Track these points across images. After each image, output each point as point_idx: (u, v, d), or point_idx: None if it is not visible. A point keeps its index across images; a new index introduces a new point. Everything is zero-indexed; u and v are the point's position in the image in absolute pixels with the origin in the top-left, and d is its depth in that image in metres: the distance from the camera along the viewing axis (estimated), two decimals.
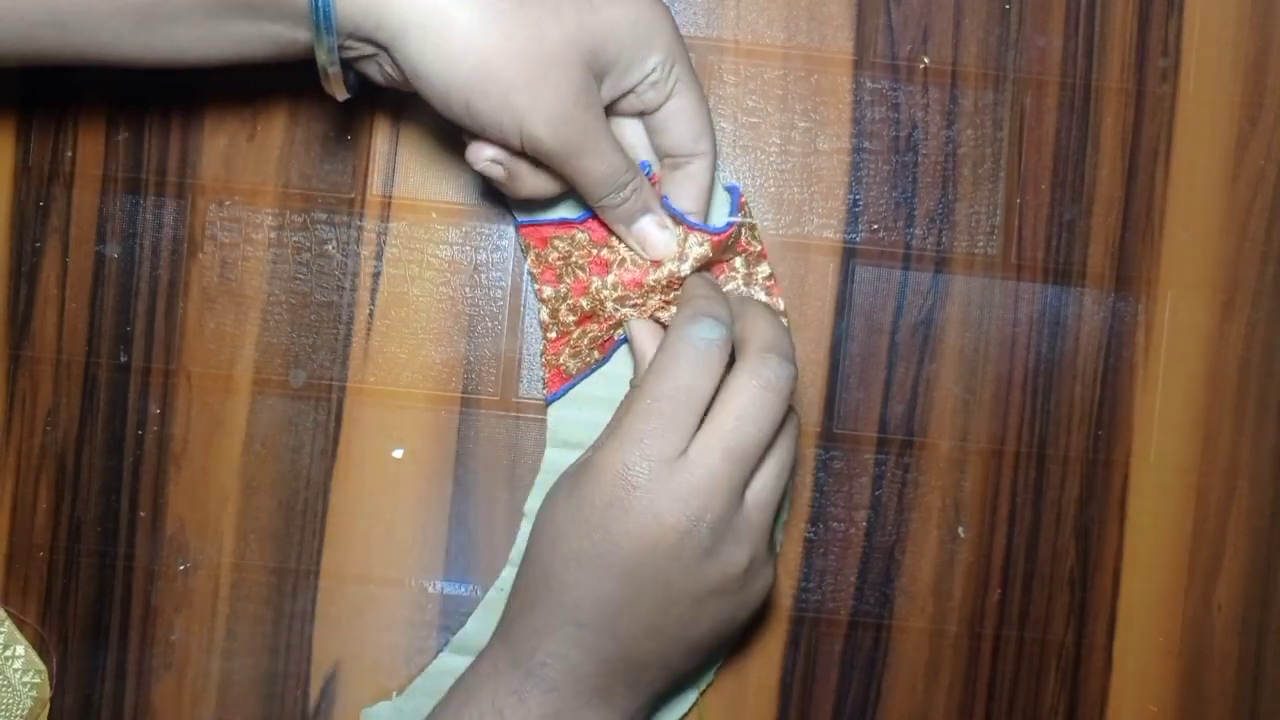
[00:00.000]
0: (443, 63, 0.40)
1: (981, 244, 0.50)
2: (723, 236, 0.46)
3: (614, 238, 0.47)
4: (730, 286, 0.48)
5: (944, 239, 0.50)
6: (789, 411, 0.42)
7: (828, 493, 0.50)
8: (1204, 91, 0.51)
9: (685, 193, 0.46)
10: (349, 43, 0.41)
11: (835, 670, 0.50)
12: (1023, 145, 0.50)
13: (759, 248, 0.48)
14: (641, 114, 0.45)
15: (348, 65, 0.43)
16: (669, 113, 0.44)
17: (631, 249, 0.46)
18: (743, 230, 0.48)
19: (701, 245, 0.46)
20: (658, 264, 0.46)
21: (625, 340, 0.48)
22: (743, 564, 0.41)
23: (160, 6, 0.39)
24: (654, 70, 0.43)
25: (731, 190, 0.48)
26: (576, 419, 0.48)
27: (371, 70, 0.43)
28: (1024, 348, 0.50)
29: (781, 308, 0.48)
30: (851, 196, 0.50)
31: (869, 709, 0.50)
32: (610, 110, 0.44)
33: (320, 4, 0.38)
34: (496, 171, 0.43)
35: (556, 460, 0.48)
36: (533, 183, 0.45)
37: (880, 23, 0.50)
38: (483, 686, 0.42)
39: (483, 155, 0.43)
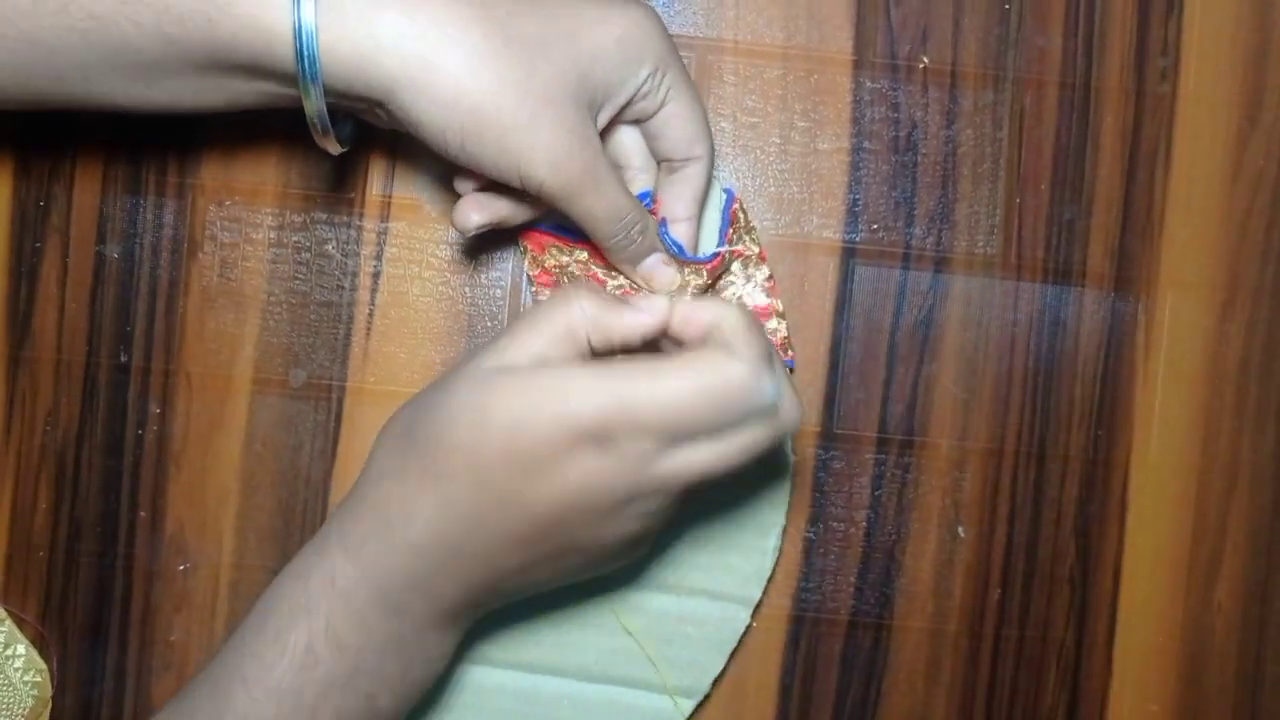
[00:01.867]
0: (436, 110, 0.39)
1: (981, 244, 0.50)
2: (714, 264, 0.46)
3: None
4: (729, 292, 0.48)
5: (944, 239, 0.50)
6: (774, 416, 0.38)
7: (828, 493, 0.50)
8: (1204, 91, 0.51)
9: (680, 195, 0.46)
10: (343, 101, 0.41)
11: (835, 670, 0.50)
12: (1022, 145, 0.50)
13: (757, 250, 0.48)
14: (637, 121, 0.45)
15: (346, 114, 0.43)
16: (664, 119, 0.44)
17: (634, 282, 0.47)
18: (742, 235, 0.48)
19: (699, 275, 0.46)
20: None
21: None
22: (653, 527, 0.39)
23: (154, 66, 0.40)
24: (645, 81, 0.43)
25: (727, 193, 0.48)
26: None
27: (370, 118, 0.43)
28: (1024, 347, 0.50)
29: (781, 309, 0.48)
30: (851, 196, 0.50)
31: (869, 709, 0.50)
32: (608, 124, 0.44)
33: (307, 68, 0.38)
34: (486, 228, 0.44)
35: None
36: (522, 214, 0.45)
37: (880, 23, 0.50)
38: (315, 606, 0.38)
39: (471, 223, 0.44)
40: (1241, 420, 0.51)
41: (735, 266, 0.48)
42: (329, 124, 0.41)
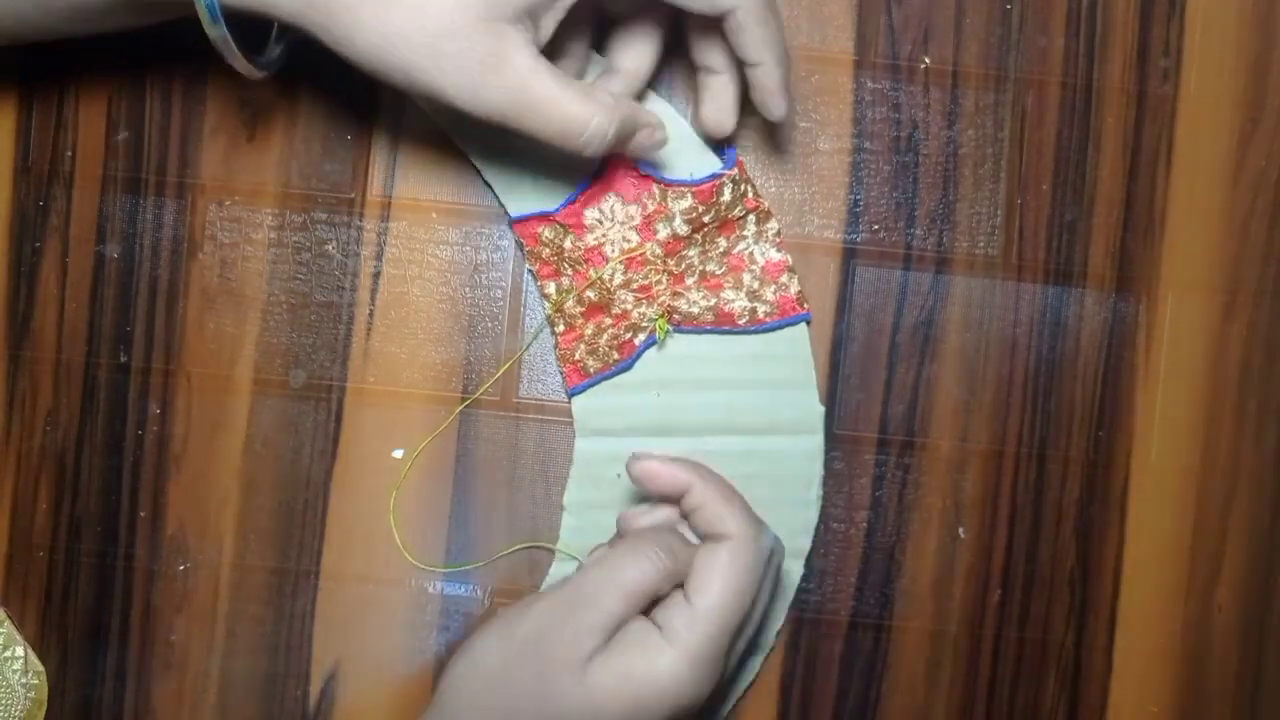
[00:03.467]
0: (338, 47, 0.39)
1: (982, 244, 0.50)
2: (706, 187, 0.46)
3: (591, 217, 0.47)
4: (741, 247, 0.48)
5: (945, 239, 0.50)
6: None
7: (828, 493, 0.50)
8: (1205, 91, 0.51)
9: (745, 44, 0.42)
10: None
11: (835, 670, 0.50)
12: (1024, 146, 0.50)
13: (765, 205, 0.48)
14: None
15: (280, 36, 0.44)
16: (729, 27, 0.41)
17: (612, 221, 0.47)
18: (748, 187, 0.48)
19: (682, 198, 0.46)
20: (649, 236, 0.46)
21: (650, 344, 0.48)
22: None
23: (83, 7, 0.41)
24: None
25: (728, 153, 0.48)
26: (603, 406, 0.49)
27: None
28: (1025, 348, 0.50)
29: (790, 262, 0.48)
30: (852, 197, 0.50)
31: (869, 709, 0.50)
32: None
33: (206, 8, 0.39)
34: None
35: (588, 451, 0.49)
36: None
37: (881, 23, 0.50)
38: None
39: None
40: (1242, 422, 0.51)
41: (750, 220, 0.48)
42: (233, 44, 0.40)
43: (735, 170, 0.48)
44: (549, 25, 0.40)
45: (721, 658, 0.40)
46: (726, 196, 0.47)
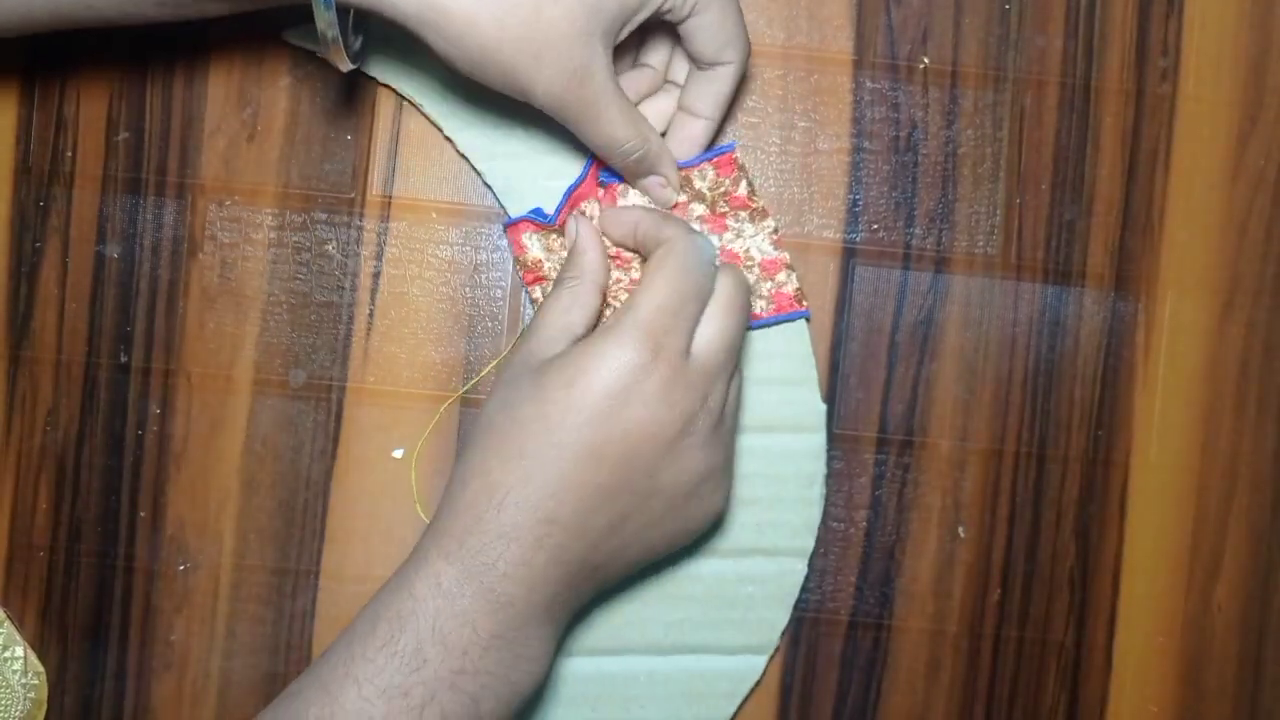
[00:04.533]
0: (444, 44, 0.42)
1: (981, 244, 0.50)
2: (723, 159, 0.48)
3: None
4: (738, 245, 0.48)
5: (944, 239, 0.50)
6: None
7: (828, 493, 0.50)
8: (1204, 91, 0.51)
9: (701, 95, 0.47)
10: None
11: (835, 670, 0.50)
12: (1023, 145, 0.50)
13: (761, 204, 0.48)
14: (668, 23, 0.46)
15: (359, 26, 0.46)
16: (692, 26, 0.45)
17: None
18: (742, 184, 0.48)
19: (704, 178, 0.48)
20: (626, 263, 0.47)
21: None
22: (718, 463, 0.43)
23: None
24: (669, 7, 0.44)
25: (727, 146, 0.48)
26: None
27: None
28: (1024, 348, 0.50)
29: (789, 260, 0.48)
30: (851, 196, 0.50)
31: (869, 709, 0.50)
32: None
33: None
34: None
35: None
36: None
37: (880, 23, 0.50)
38: (421, 609, 0.40)
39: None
40: (1241, 421, 0.51)
41: (744, 215, 0.48)
42: (340, 39, 0.42)
43: (743, 174, 0.48)
44: (624, 34, 0.44)
45: (676, 335, 0.41)
46: (710, 180, 0.48)
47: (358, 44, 0.46)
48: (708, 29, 0.45)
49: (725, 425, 0.43)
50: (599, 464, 0.41)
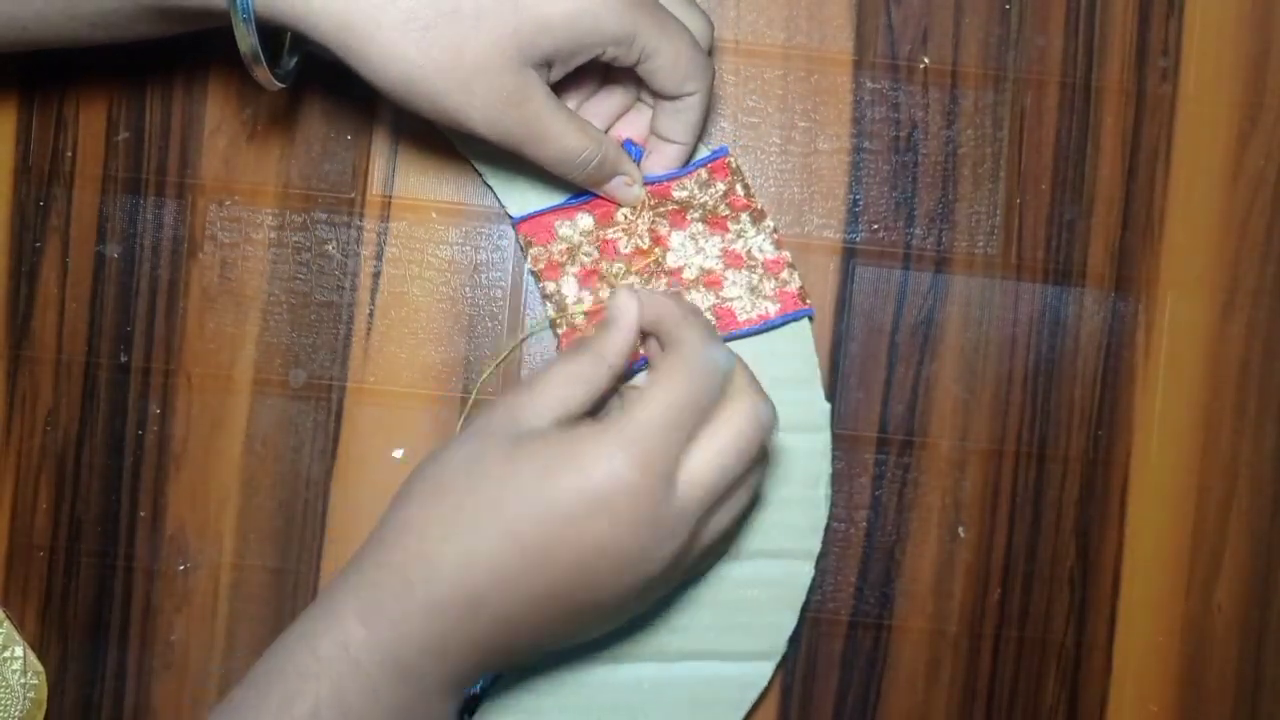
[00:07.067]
0: (368, 71, 0.41)
1: (981, 244, 0.50)
2: (717, 164, 0.48)
3: (619, 214, 0.48)
4: (740, 245, 0.48)
5: (944, 239, 0.50)
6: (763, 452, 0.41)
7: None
8: (1204, 91, 0.51)
9: (673, 124, 0.46)
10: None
11: (835, 670, 0.50)
12: (1023, 145, 0.50)
13: (760, 205, 0.48)
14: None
15: (295, 49, 0.45)
16: (648, 70, 0.44)
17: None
18: (739, 186, 0.48)
19: (681, 189, 0.47)
20: (661, 242, 0.47)
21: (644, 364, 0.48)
22: (668, 585, 0.42)
23: (110, 14, 0.42)
24: (607, 51, 0.43)
25: (719, 151, 0.48)
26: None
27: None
28: (1024, 348, 0.50)
29: (790, 259, 0.48)
30: (851, 196, 0.50)
31: (869, 709, 0.50)
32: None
33: (240, 10, 0.40)
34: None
35: None
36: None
37: (880, 23, 0.50)
38: (325, 671, 0.38)
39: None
40: (1241, 421, 0.51)
41: (744, 217, 0.48)
42: (262, 57, 0.41)
43: (737, 176, 0.48)
44: (558, 73, 0.44)
45: (666, 458, 0.38)
46: (706, 187, 0.48)
47: (291, 63, 0.45)
48: (664, 69, 0.44)
49: (692, 557, 0.41)
50: (547, 566, 0.38)
